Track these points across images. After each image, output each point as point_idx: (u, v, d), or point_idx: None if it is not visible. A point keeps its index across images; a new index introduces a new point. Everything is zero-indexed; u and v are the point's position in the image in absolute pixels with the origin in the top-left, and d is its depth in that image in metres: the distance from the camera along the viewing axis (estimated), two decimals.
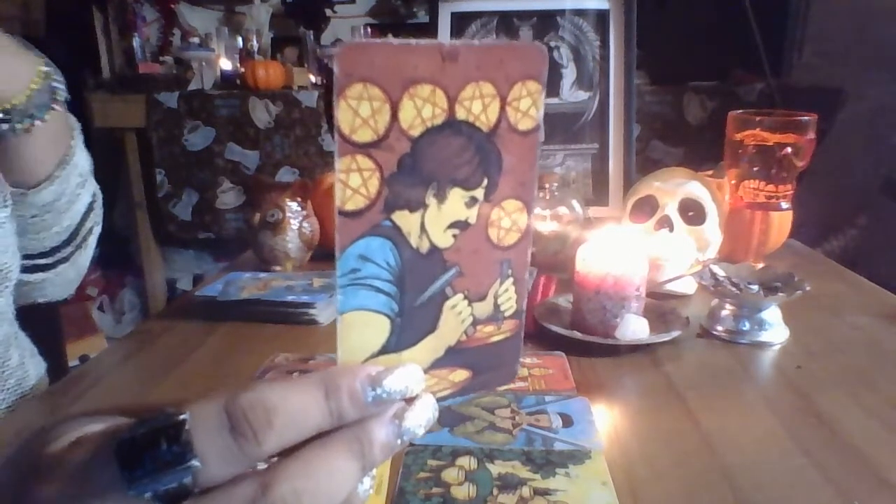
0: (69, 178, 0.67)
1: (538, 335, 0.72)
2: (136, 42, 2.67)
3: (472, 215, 0.27)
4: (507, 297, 0.30)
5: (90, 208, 0.73)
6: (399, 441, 0.26)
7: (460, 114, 0.25)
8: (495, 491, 0.47)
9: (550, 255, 0.93)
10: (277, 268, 0.94)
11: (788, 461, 0.50)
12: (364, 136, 0.24)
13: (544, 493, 0.46)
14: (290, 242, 0.93)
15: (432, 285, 0.27)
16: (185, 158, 2.39)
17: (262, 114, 2.36)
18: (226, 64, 2.54)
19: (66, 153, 0.66)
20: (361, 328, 0.26)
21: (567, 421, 0.56)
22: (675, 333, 0.69)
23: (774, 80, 2.26)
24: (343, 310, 0.25)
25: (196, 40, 2.63)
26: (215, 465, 0.22)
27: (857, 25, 2.11)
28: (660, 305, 0.76)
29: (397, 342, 0.27)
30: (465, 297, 0.28)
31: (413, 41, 0.24)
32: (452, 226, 0.27)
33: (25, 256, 0.68)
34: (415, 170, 0.25)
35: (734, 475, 0.49)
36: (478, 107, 0.26)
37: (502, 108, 0.26)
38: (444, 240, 0.27)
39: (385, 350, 0.27)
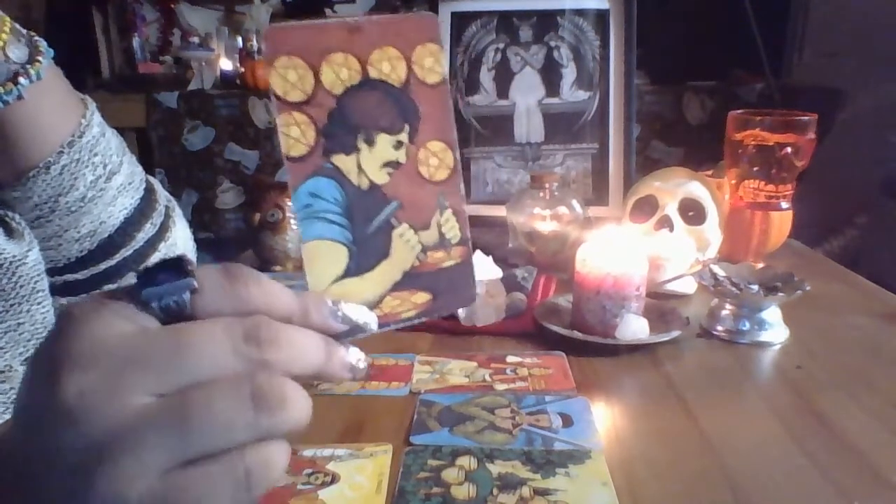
0: (79, 166, 0.53)
1: (538, 335, 0.72)
2: (135, 42, 2.67)
3: (400, 156, 0.33)
4: (450, 226, 0.35)
5: (139, 218, 0.57)
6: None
7: (373, 73, 0.32)
8: (495, 491, 0.47)
9: (550, 255, 0.93)
10: (277, 268, 0.94)
11: (788, 461, 0.51)
12: (295, 96, 0.30)
13: (544, 493, 0.46)
14: (290, 242, 0.93)
15: (378, 216, 0.33)
16: (185, 158, 2.39)
17: (262, 114, 2.36)
18: (226, 64, 2.54)
19: (72, 130, 0.52)
20: (324, 255, 0.31)
21: (567, 421, 0.56)
22: (675, 333, 0.69)
23: (774, 80, 2.26)
24: (305, 239, 0.31)
25: (196, 40, 2.63)
26: (209, 294, 0.27)
27: (857, 25, 2.11)
28: (660, 305, 0.76)
29: (357, 267, 0.32)
30: (411, 227, 0.34)
31: (324, 20, 0.31)
32: (386, 165, 0.33)
33: (51, 271, 0.53)
34: (343, 120, 0.31)
35: (734, 475, 0.49)
36: (387, 67, 0.32)
37: (409, 67, 0.33)
38: (380, 177, 0.33)
39: (347, 274, 0.32)
